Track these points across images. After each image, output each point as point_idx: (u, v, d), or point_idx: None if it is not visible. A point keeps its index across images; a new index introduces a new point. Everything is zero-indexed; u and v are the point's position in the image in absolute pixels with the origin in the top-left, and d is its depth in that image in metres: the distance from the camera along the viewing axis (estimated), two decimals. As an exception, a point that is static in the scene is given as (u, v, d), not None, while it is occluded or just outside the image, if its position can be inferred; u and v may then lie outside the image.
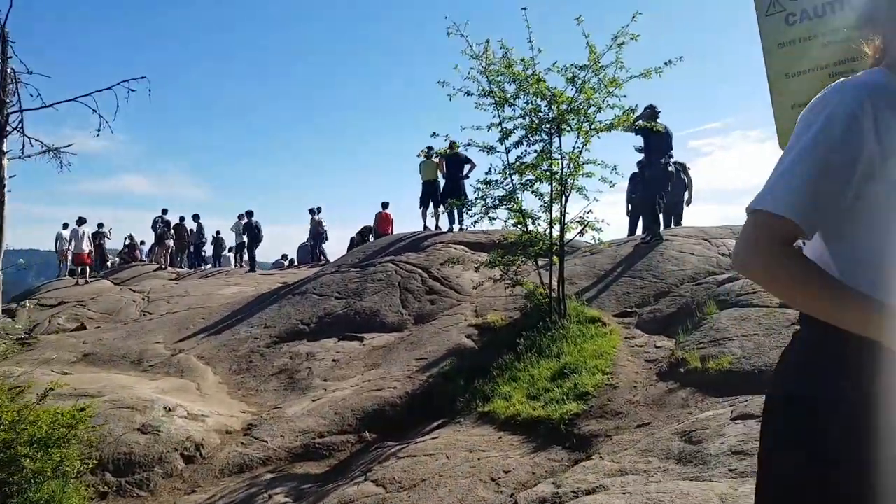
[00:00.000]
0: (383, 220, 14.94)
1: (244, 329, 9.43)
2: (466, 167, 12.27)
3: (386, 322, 8.50)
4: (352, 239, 17.23)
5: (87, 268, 17.08)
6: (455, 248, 10.61)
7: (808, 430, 1.26)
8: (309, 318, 8.99)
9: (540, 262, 7.77)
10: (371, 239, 15.52)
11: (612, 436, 4.71)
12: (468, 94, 7.43)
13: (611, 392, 5.50)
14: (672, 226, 10.85)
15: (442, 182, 12.85)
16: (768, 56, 2.70)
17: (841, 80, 1.27)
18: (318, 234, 17.92)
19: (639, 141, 8.93)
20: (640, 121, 8.47)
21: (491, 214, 7.44)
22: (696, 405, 4.90)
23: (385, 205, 15.49)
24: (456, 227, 12.35)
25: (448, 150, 10.98)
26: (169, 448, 6.17)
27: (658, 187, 9.09)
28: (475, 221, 7.42)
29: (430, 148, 12.64)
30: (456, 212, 11.95)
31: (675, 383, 5.43)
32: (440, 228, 12.86)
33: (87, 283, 16.35)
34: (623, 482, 3.52)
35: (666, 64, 6.66)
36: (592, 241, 8.97)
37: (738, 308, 6.26)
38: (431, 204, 12.95)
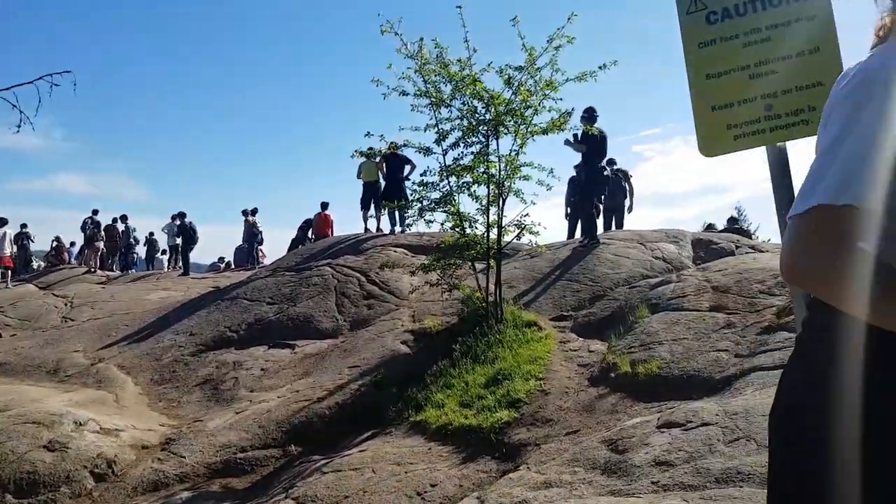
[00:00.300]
0: (322, 222, 14.48)
1: (169, 336, 8.96)
2: (407, 168, 12.06)
3: (320, 328, 8.21)
4: (293, 240, 16.75)
5: (9, 271, 16.06)
6: (395, 251, 10.39)
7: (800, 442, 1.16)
8: (238, 324, 8.60)
9: (478, 266, 7.65)
10: (312, 235, 15.10)
11: (541, 444, 4.61)
12: (403, 93, 7.25)
13: (542, 399, 5.40)
14: (613, 230, 10.93)
15: (383, 183, 12.61)
16: (689, 56, 2.61)
17: (869, 54, 1.09)
18: (252, 236, 17.36)
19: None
20: (580, 122, 8.46)
21: (427, 217, 7.28)
22: (625, 411, 4.85)
23: (324, 205, 15.01)
24: (398, 229, 12.12)
25: (388, 151, 10.76)
26: (78, 466, 5.75)
27: (595, 190, 9.12)
28: (409, 224, 7.25)
29: (371, 148, 12.38)
30: (397, 214, 11.72)
31: (605, 388, 5.38)
32: (381, 230, 12.62)
33: (7, 287, 15.36)
34: (546, 496, 3.39)
35: (600, 68, 6.65)
36: (530, 245, 8.93)
37: (668, 312, 6.28)
38: (373, 206, 12.69)
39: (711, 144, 2.60)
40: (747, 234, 11.47)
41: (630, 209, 11.39)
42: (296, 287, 9.23)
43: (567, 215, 10.96)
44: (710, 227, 11.65)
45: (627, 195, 11.28)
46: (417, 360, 6.90)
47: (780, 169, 2.53)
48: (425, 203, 7.21)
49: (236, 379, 7.35)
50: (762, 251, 8.66)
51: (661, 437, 3.73)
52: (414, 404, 5.97)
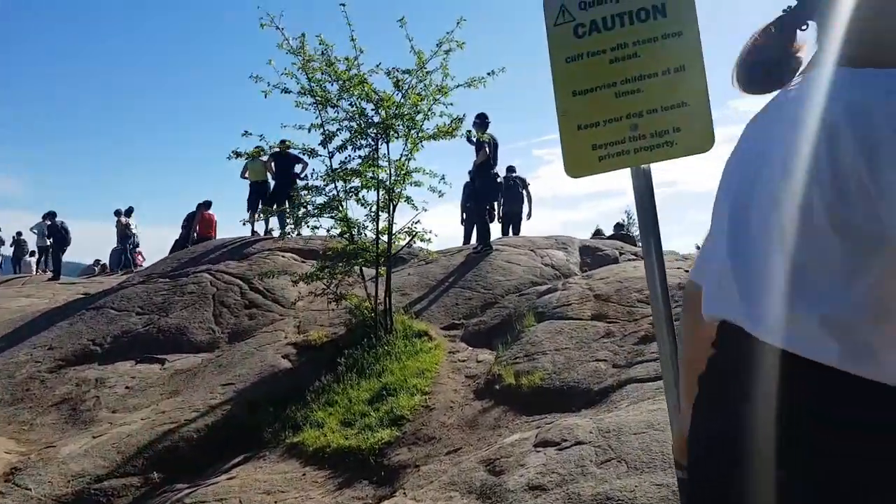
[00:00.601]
0: (206, 222, 13.51)
1: (25, 351, 8.04)
2: (299, 167, 11.53)
3: (194, 341, 7.62)
4: (176, 240, 15.59)
5: None
6: (283, 256, 9.91)
7: None
8: (103, 337, 7.83)
9: (369, 273, 7.39)
10: (195, 234, 14.06)
11: (420, 466, 4.42)
12: (286, 91, 6.89)
13: (426, 415, 5.23)
14: (509, 236, 10.98)
15: (272, 183, 12.03)
16: (556, 71, 2.48)
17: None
18: (124, 237, 15.95)
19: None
20: (472, 129, 8.40)
21: (312, 223, 6.94)
22: (507, 426, 4.76)
23: (207, 204, 13.89)
24: (289, 231, 11.56)
25: (278, 148, 10.25)
26: None
27: (488, 196, 9.10)
28: (287, 232, 6.88)
29: (259, 147, 11.74)
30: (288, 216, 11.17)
31: (489, 401, 5.29)
32: (270, 233, 12.03)
33: None
34: (417, 529, 3.20)
35: (489, 74, 6.59)
36: (423, 251, 8.79)
37: (554, 320, 6.29)
38: (261, 206, 12.01)
39: (576, 165, 2.49)
40: (632, 240, 11.89)
41: (529, 216, 11.53)
42: (169, 295, 8.56)
43: (463, 220, 10.90)
44: (598, 233, 12.00)
45: (525, 202, 11.38)
46: (299, 375, 6.54)
47: (644, 191, 2.46)
48: (310, 208, 6.87)
49: (97, 398, 6.67)
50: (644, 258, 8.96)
51: (537, 458, 3.64)
52: (292, 424, 5.64)
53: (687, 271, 6.88)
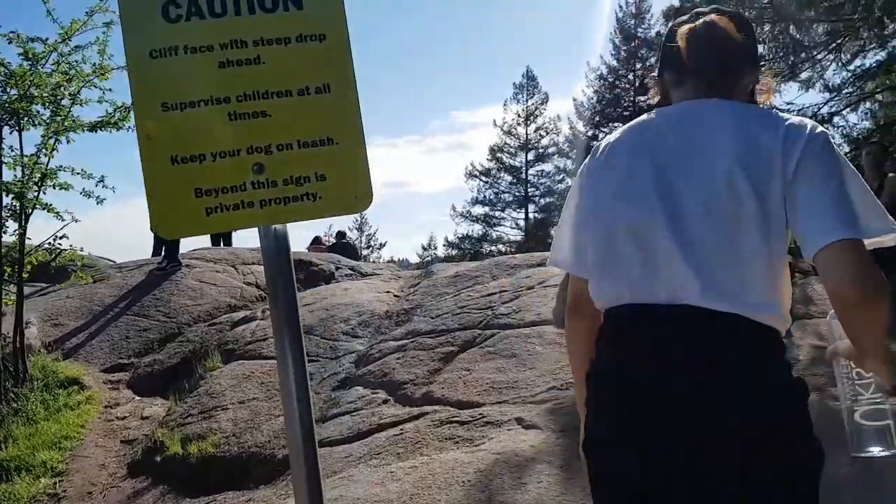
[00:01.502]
0: None
1: None
2: None
3: None
4: None
5: None
6: None
7: None
8: None
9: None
10: None
11: None
12: None
13: (49, 511, 3.88)
14: (212, 247, 9.56)
15: None
16: (135, 70, 1.57)
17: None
18: None
19: None
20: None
21: None
22: (162, 518, 3.70)
23: None
24: None
25: None
26: None
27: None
28: None
29: None
30: None
31: (146, 479, 4.15)
32: None
33: None
34: None
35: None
36: (86, 267, 7.12)
37: (244, 361, 5.32)
38: None
39: (170, 219, 1.63)
40: (354, 250, 11.37)
41: None
42: None
43: (152, 227, 9.14)
44: (316, 241, 11.22)
45: None
46: None
47: (277, 258, 1.68)
48: None
49: None
50: (362, 274, 8.43)
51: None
52: None
53: (398, 296, 6.46)
